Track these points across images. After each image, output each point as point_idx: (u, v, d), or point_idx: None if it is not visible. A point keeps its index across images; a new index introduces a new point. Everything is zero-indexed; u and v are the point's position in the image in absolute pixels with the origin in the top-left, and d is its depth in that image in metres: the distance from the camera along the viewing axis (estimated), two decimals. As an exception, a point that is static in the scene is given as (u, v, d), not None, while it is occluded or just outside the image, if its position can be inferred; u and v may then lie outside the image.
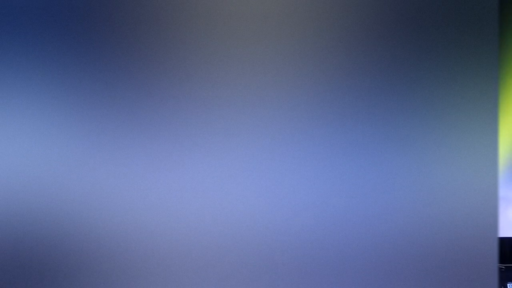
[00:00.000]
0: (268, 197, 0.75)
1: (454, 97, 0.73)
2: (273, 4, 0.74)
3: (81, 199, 0.76)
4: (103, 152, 0.76)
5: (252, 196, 0.75)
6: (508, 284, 1.02)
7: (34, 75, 0.77)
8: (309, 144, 0.75)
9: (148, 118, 0.76)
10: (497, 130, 0.72)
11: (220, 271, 0.76)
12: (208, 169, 0.76)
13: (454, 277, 0.75)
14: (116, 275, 0.76)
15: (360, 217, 0.75)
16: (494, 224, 0.75)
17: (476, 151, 0.74)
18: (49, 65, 0.77)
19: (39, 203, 0.76)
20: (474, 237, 0.75)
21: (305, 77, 0.75)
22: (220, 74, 0.76)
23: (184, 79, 0.76)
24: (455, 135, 0.74)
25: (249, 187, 0.75)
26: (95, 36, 0.76)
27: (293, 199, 0.75)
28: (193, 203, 0.76)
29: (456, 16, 0.72)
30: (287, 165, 0.75)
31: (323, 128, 0.74)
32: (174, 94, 0.76)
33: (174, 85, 0.76)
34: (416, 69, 0.73)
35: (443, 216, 0.75)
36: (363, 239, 0.75)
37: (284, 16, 0.74)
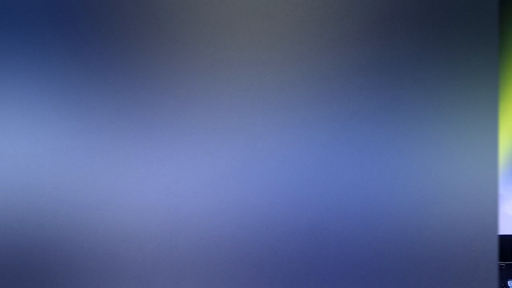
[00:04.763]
0: (268, 197, 0.75)
1: (454, 97, 0.73)
2: (273, 4, 0.74)
3: (81, 198, 0.76)
4: (102, 151, 0.76)
5: (253, 196, 0.75)
6: (508, 282, 1.02)
7: (34, 75, 0.77)
8: (309, 144, 0.75)
9: (148, 118, 0.76)
10: (497, 130, 0.72)
11: (220, 270, 0.76)
12: (208, 168, 0.76)
13: (455, 274, 0.75)
14: (116, 274, 0.76)
15: (361, 215, 0.75)
16: (494, 222, 0.75)
17: (476, 151, 0.74)
18: (49, 65, 0.77)
19: (38, 203, 0.76)
20: (475, 235, 0.75)
21: (306, 77, 0.75)
22: (221, 74, 0.76)
23: (184, 79, 0.76)
24: (455, 134, 0.74)
25: (249, 186, 0.75)
26: (94, 36, 0.76)
27: (293, 198, 0.75)
28: (193, 202, 0.76)
29: (456, 16, 0.71)
30: (287, 164, 0.75)
31: (323, 128, 0.74)
32: (174, 94, 0.76)
33: (174, 85, 0.76)
34: (416, 69, 0.73)
35: (443, 214, 0.75)
36: (363, 237, 0.75)
37: (284, 16, 0.74)
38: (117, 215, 0.76)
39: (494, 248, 0.75)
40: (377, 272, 0.75)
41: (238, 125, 0.75)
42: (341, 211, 0.75)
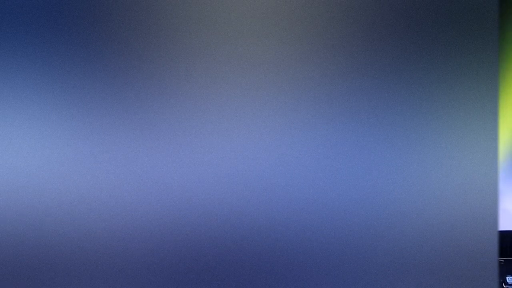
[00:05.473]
0: (268, 196, 0.75)
1: (454, 97, 0.73)
2: (273, 4, 0.74)
3: (80, 198, 0.77)
4: (102, 150, 0.76)
5: (252, 195, 0.76)
6: (507, 277, 1.02)
7: (34, 75, 0.77)
8: (308, 144, 0.75)
9: (148, 117, 0.76)
10: (497, 129, 0.72)
11: (220, 269, 0.76)
12: (208, 168, 0.76)
13: (455, 270, 0.76)
14: (115, 274, 0.77)
15: (361, 214, 0.75)
16: (494, 218, 0.75)
17: (476, 148, 0.74)
18: (49, 65, 0.77)
19: (37, 202, 0.77)
20: (475, 231, 0.75)
21: (305, 77, 0.74)
22: (221, 74, 0.76)
23: (184, 78, 0.76)
24: (455, 133, 0.74)
25: (249, 186, 0.76)
26: (94, 36, 0.76)
27: (292, 199, 0.75)
28: (192, 202, 0.76)
29: (456, 16, 0.71)
30: (287, 164, 0.75)
31: (322, 128, 0.75)
32: (174, 94, 0.76)
33: (174, 84, 0.76)
34: (416, 69, 0.73)
35: (443, 210, 0.75)
36: (363, 236, 0.75)
37: (284, 16, 0.74)
38: (117, 214, 0.76)
39: (494, 244, 0.75)
40: (377, 270, 0.76)
41: (238, 124, 0.75)
42: (340, 210, 0.75)
